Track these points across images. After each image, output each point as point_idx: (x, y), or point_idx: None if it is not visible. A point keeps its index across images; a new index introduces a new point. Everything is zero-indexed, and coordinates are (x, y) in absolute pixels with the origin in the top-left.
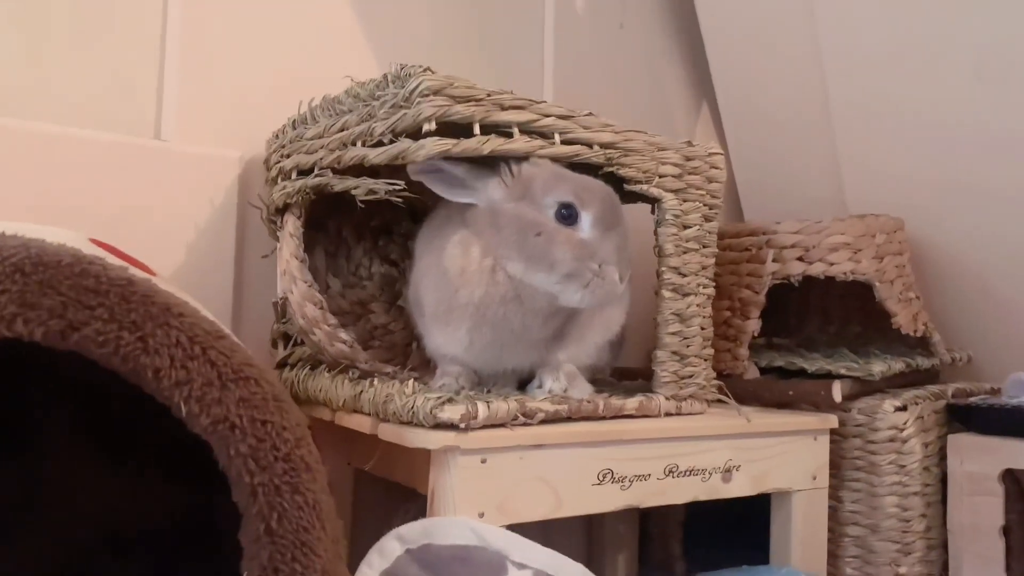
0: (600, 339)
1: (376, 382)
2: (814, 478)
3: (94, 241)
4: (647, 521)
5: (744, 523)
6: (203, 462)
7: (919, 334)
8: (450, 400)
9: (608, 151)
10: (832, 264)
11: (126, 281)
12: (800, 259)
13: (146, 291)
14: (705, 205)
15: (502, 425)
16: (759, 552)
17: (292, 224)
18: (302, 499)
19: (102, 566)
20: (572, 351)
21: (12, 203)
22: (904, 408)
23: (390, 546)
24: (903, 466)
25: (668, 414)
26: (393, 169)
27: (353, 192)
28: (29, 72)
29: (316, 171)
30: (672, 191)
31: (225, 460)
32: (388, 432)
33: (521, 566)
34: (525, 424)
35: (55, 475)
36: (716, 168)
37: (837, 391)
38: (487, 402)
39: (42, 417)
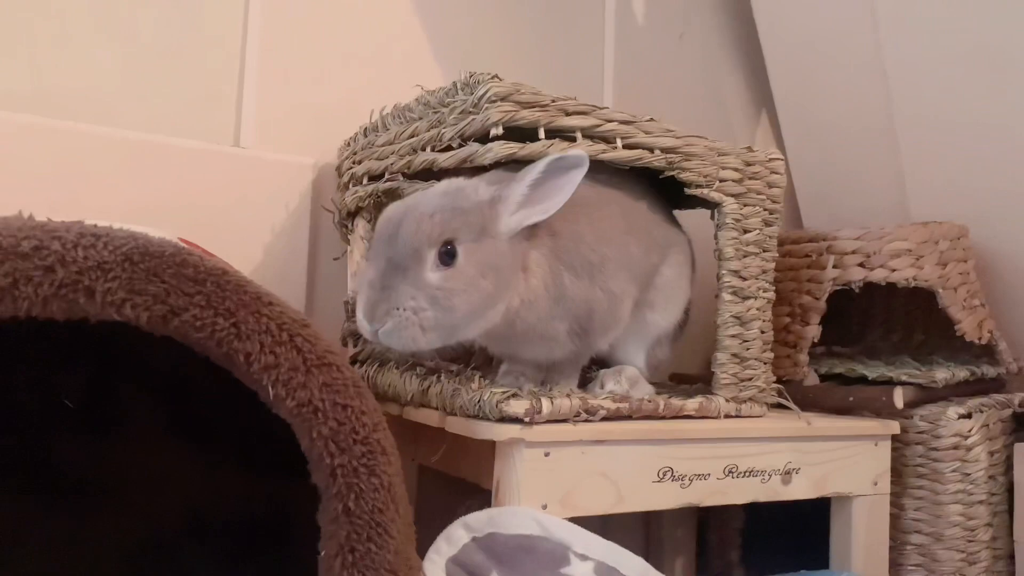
0: (639, 344)
1: (443, 377)
2: (875, 484)
3: (183, 240)
4: (705, 527)
5: (803, 531)
6: (278, 453)
7: (984, 341)
8: (515, 395)
9: (669, 155)
10: (894, 271)
11: (221, 271)
12: (861, 265)
13: (239, 281)
14: (765, 210)
15: (565, 420)
16: (818, 560)
17: (363, 227)
18: (378, 481)
19: (182, 550)
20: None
21: (104, 206)
22: (968, 415)
23: (457, 534)
24: (967, 474)
25: (728, 416)
26: (459, 174)
27: None
28: (120, 83)
29: (387, 176)
30: (732, 195)
31: (307, 442)
32: (455, 425)
33: (583, 557)
34: (587, 420)
35: (141, 460)
36: (776, 173)
37: (899, 397)
38: (551, 398)
39: (130, 405)
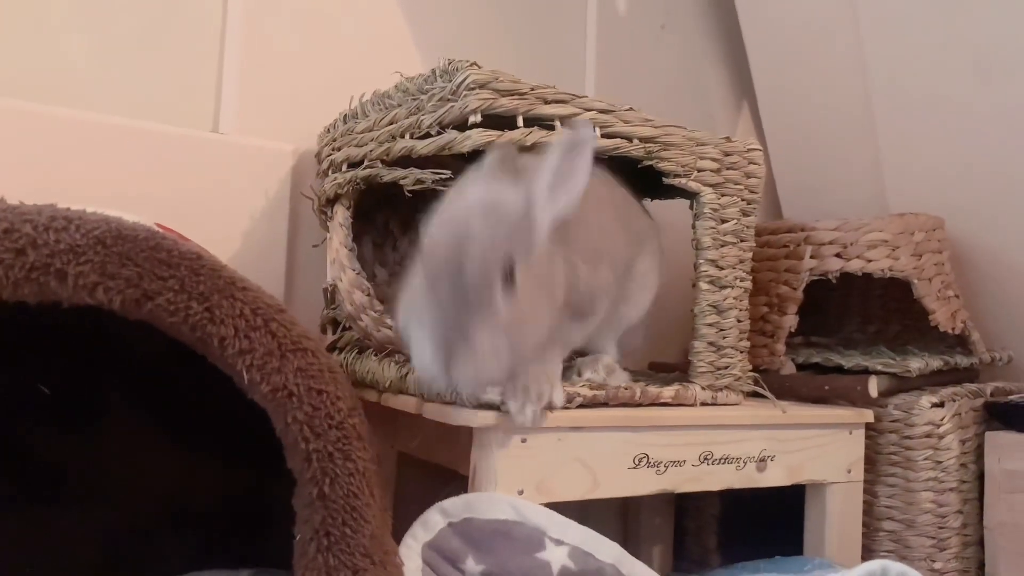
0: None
1: None
2: (849, 471)
3: (159, 225)
4: (682, 515)
5: (778, 519)
6: (256, 442)
7: (957, 332)
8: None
9: (648, 145)
10: (870, 261)
11: (195, 255)
12: (838, 256)
13: (213, 265)
14: (743, 200)
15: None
16: (793, 548)
17: (342, 215)
18: (353, 466)
19: (160, 538)
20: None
21: (81, 191)
22: (941, 404)
23: (433, 519)
24: (939, 462)
25: (704, 403)
26: (439, 161)
27: (401, 182)
28: (98, 67)
29: (366, 163)
30: (710, 185)
31: (282, 427)
32: (433, 411)
33: (558, 542)
34: (564, 407)
35: (118, 450)
36: (755, 164)
37: (873, 386)
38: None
39: (108, 396)
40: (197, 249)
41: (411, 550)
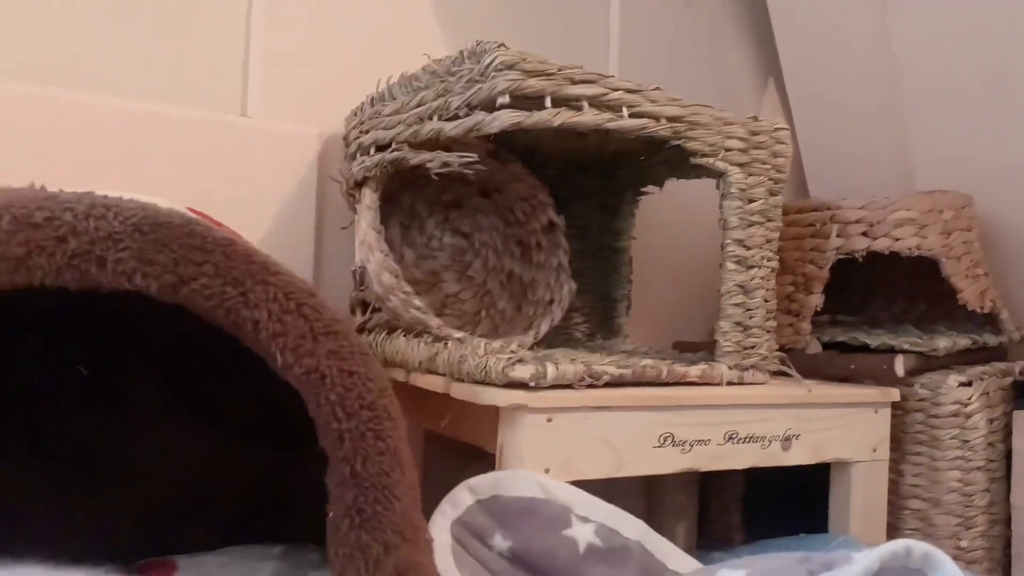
0: None
1: (451, 344)
2: (874, 450)
3: (192, 210)
4: (706, 493)
5: (803, 497)
6: (283, 423)
7: (986, 310)
8: (521, 360)
9: (675, 124)
10: (897, 240)
11: (229, 241)
12: (865, 234)
13: (247, 250)
14: (770, 179)
15: (569, 386)
16: (818, 527)
17: (369, 197)
18: (384, 445)
19: (188, 519)
20: None
21: (110, 177)
22: (969, 383)
23: (461, 496)
24: (966, 441)
25: (730, 383)
26: (466, 145)
27: (428, 165)
28: (123, 53)
29: (393, 146)
30: (737, 165)
31: (315, 408)
32: (461, 391)
33: (584, 519)
34: (591, 386)
35: (146, 432)
36: (782, 143)
37: (900, 365)
38: (555, 363)
39: (135, 379)
40: (230, 234)
41: (440, 527)
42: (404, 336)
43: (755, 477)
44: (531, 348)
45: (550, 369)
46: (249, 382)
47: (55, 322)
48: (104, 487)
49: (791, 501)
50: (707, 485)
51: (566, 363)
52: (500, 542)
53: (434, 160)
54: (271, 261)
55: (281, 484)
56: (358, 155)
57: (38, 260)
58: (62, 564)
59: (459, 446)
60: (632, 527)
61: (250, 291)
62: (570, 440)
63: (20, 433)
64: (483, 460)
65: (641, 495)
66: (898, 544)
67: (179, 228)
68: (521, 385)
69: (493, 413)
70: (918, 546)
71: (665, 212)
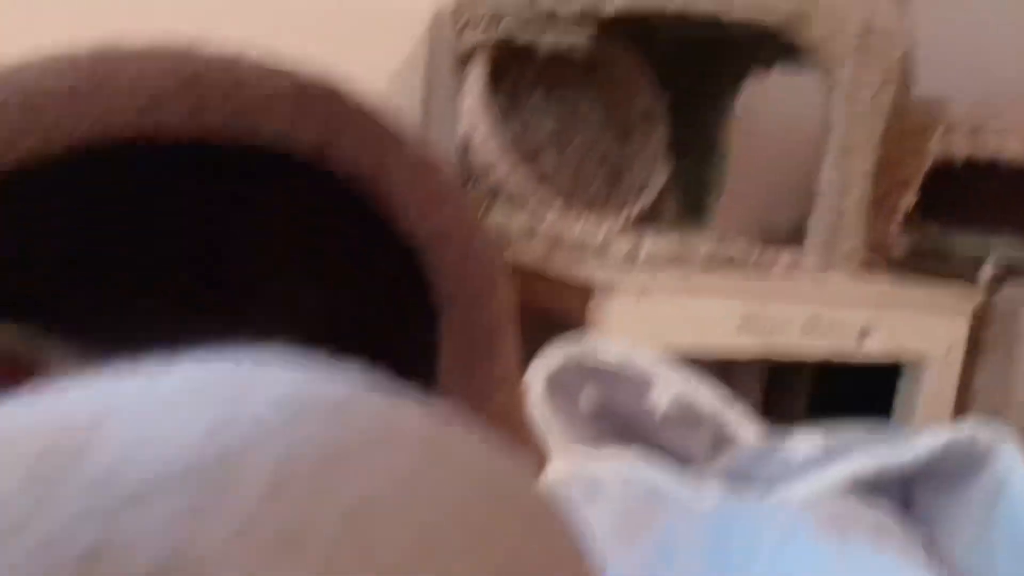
0: None
1: (549, 220)
2: (948, 353)
3: None
4: (774, 380)
5: (868, 401)
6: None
7: None
8: (617, 240)
9: (788, 14)
10: (1001, 146)
11: (371, 107)
12: (968, 138)
13: (386, 117)
14: (880, 76)
15: (662, 265)
16: (882, 423)
17: (477, 71)
18: (495, 303)
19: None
20: None
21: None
22: None
23: (555, 356)
24: None
25: (815, 274)
26: (576, 26)
27: (537, 42)
28: None
29: (504, 22)
30: (848, 58)
31: (435, 266)
32: (557, 265)
33: (664, 387)
34: (682, 267)
35: (260, 286)
36: (896, 38)
37: (985, 273)
38: (649, 244)
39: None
40: (370, 101)
41: (534, 382)
42: (503, 209)
43: (824, 372)
44: (621, 229)
45: (646, 249)
46: (343, 248)
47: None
48: (210, 317)
49: (856, 402)
50: (776, 372)
51: (661, 244)
52: (587, 399)
53: (544, 38)
54: (405, 129)
55: (384, 342)
56: (468, 29)
57: (206, 115)
58: None
59: (551, 318)
60: (708, 398)
61: (387, 155)
62: (657, 317)
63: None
64: (574, 333)
65: (711, 376)
66: (963, 431)
67: (328, 91)
68: (616, 263)
69: (586, 288)
70: (984, 432)
71: (768, 101)
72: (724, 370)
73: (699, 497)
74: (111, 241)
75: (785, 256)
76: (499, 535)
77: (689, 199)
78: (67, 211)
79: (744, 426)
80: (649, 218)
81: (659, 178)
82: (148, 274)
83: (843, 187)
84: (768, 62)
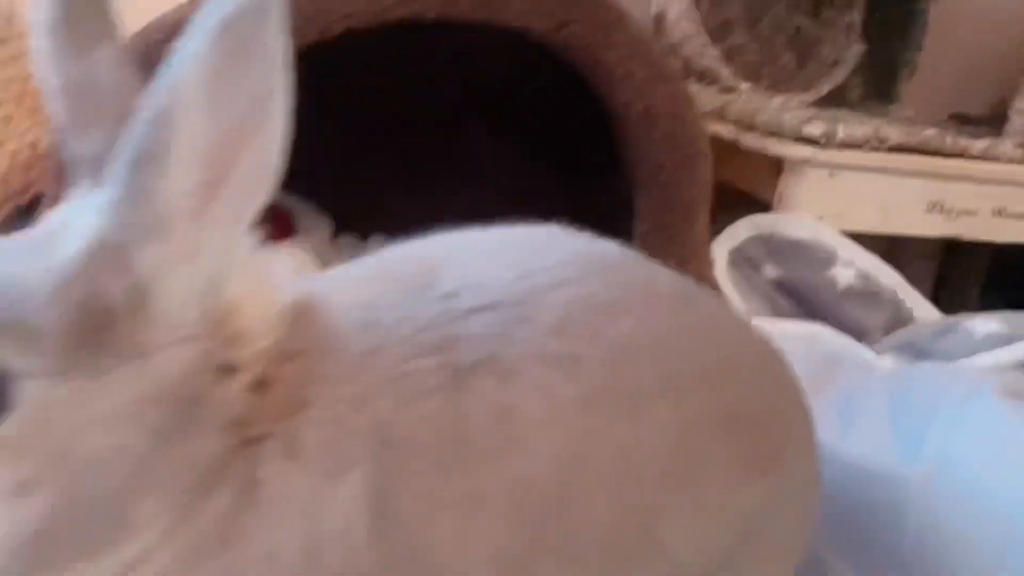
0: None
1: (743, 96)
2: None
3: None
4: (948, 266)
5: None
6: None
7: None
8: (814, 118)
9: None
10: None
11: None
12: None
13: (611, 4)
14: None
15: (855, 146)
16: None
17: None
18: (695, 177)
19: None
20: None
21: None
22: None
23: (741, 229)
24: None
25: (1011, 160)
26: None
27: None
28: None
29: None
30: None
31: (645, 142)
32: (750, 141)
33: (847, 264)
34: (875, 149)
35: (471, 153)
36: None
37: None
38: (845, 124)
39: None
40: None
41: (720, 252)
42: (697, 83)
43: (1002, 260)
44: (812, 108)
45: (840, 129)
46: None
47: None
48: (442, 191)
49: None
50: (952, 256)
51: (855, 125)
52: (770, 271)
53: None
54: (627, 12)
55: (579, 205)
56: None
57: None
58: None
59: (740, 192)
60: (888, 276)
61: (611, 38)
62: (846, 195)
63: (389, 146)
64: (758, 207)
65: (884, 255)
66: None
67: None
68: (811, 141)
69: (777, 164)
70: None
71: None
72: (900, 252)
73: (879, 362)
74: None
75: (982, 142)
76: (732, 380)
77: (879, 78)
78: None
79: (921, 306)
80: (837, 96)
81: (851, 56)
82: (384, 151)
83: None
84: None
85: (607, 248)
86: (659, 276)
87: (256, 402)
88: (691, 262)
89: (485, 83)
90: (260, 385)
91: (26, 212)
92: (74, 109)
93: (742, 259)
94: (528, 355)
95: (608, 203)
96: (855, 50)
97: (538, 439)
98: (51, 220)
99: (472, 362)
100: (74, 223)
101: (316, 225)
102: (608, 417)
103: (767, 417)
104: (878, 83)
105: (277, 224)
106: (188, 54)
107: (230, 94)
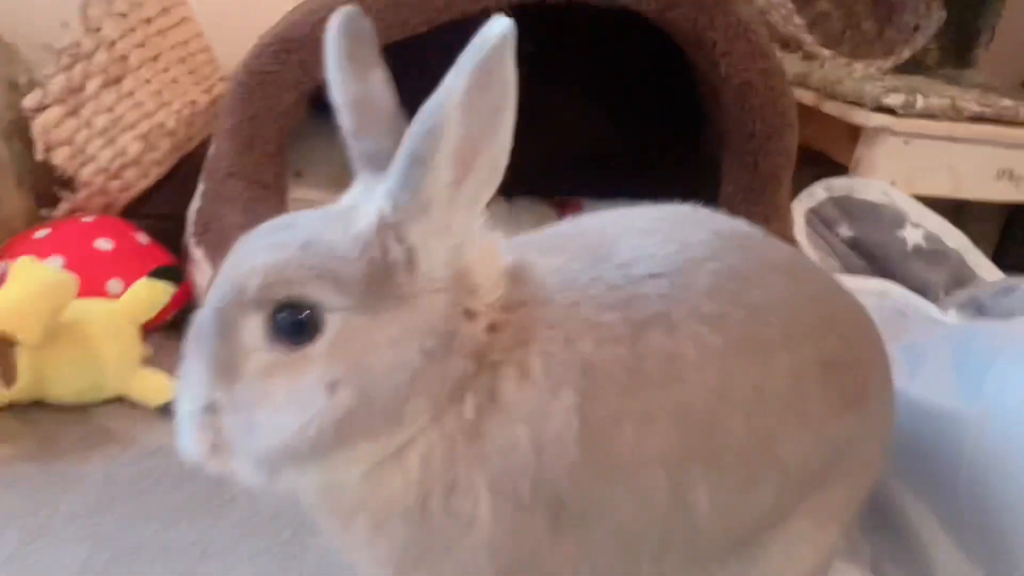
0: None
1: (826, 64)
2: None
3: None
4: (1012, 225)
5: None
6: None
7: None
8: (895, 89)
9: None
10: None
11: None
12: None
13: None
14: None
15: (932, 116)
16: None
17: None
18: (783, 146)
19: (589, 171)
20: None
21: None
22: None
23: (818, 192)
24: None
25: None
26: None
27: None
28: None
29: None
30: None
31: (738, 112)
32: (832, 108)
33: (916, 225)
34: (951, 119)
35: (567, 104)
36: None
37: None
38: (924, 95)
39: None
40: None
41: (797, 212)
42: (780, 51)
43: None
44: (891, 74)
45: (919, 100)
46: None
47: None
48: (534, 136)
49: None
50: (1013, 222)
51: (933, 96)
52: (844, 231)
53: None
54: None
55: (664, 157)
56: None
57: None
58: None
59: (816, 155)
60: (955, 238)
61: (715, 18)
62: (919, 162)
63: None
64: (828, 164)
65: (950, 219)
66: None
67: None
68: (889, 111)
69: (855, 130)
70: None
71: None
72: (966, 215)
73: (944, 316)
74: None
75: None
76: (831, 334)
77: (956, 44)
78: None
79: (986, 267)
80: (915, 61)
81: (933, 23)
82: None
83: None
84: None
85: (738, 225)
86: (777, 249)
87: (492, 339)
88: (773, 222)
89: (589, 57)
90: (494, 327)
91: (188, 160)
92: (357, 119)
93: (818, 219)
94: (686, 313)
95: (696, 166)
96: (936, 16)
97: (693, 376)
98: (346, 200)
99: (646, 318)
100: (365, 204)
101: None
102: (744, 362)
103: (856, 364)
104: (955, 49)
105: None
106: (453, 86)
107: (477, 111)
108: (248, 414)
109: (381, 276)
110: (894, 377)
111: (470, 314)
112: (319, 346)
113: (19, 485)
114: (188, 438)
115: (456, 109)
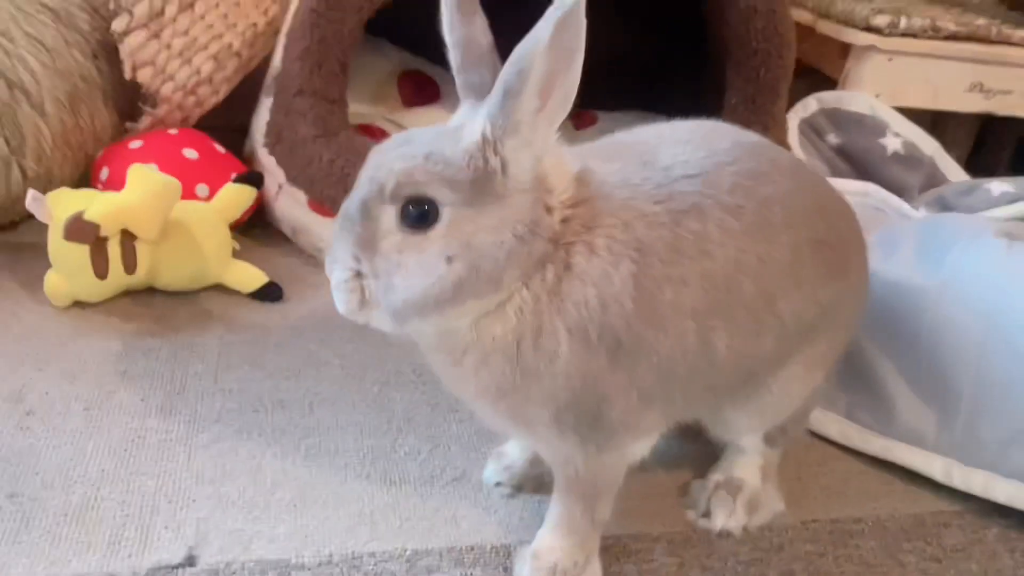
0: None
1: None
2: None
3: None
4: (984, 135)
5: None
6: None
7: None
8: (882, 11)
9: None
10: None
11: None
12: None
13: None
14: None
15: (914, 35)
16: None
17: None
18: (782, 62)
19: (603, 83)
20: None
21: None
22: None
23: (810, 104)
24: None
25: None
26: None
27: None
28: None
29: None
30: None
31: (743, 31)
32: (826, 27)
33: (896, 134)
34: (931, 38)
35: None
36: None
37: None
38: (908, 16)
39: None
40: None
41: (792, 122)
42: None
43: None
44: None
45: (903, 21)
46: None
47: None
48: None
49: None
50: (987, 128)
51: (916, 17)
52: (832, 139)
53: None
54: None
55: (669, 70)
56: None
57: None
58: None
59: (804, 66)
60: (928, 145)
61: None
62: (901, 77)
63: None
64: (818, 77)
65: (927, 126)
66: None
67: None
68: (876, 30)
69: (846, 48)
70: None
71: None
72: (944, 124)
73: (915, 211)
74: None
75: (1021, 31)
76: (821, 219)
77: None
78: None
79: (954, 170)
80: None
81: None
82: None
83: None
84: None
85: (752, 136)
86: (782, 155)
87: (565, 226)
88: (771, 130)
89: None
90: (566, 218)
91: (251, 77)
92: (463, 56)
93: (809, 129)
94: (714, 205)
95: (701, 78)
96: None
97: (717, 252)
98: (454, 120)
99: (682, 208)
100: (470, 125)
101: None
102: (756, 241)
103: (840, 243)
104: None
105: (426, 90)
106: (541, 32)
107: (557, 52)
108: (387, 279)
109: (482, 179)
110: (870, 259)
111: (548, 208)
112: (438, 230)
113: (153, 353)
114: (341, 297)
115: (542, 53)
